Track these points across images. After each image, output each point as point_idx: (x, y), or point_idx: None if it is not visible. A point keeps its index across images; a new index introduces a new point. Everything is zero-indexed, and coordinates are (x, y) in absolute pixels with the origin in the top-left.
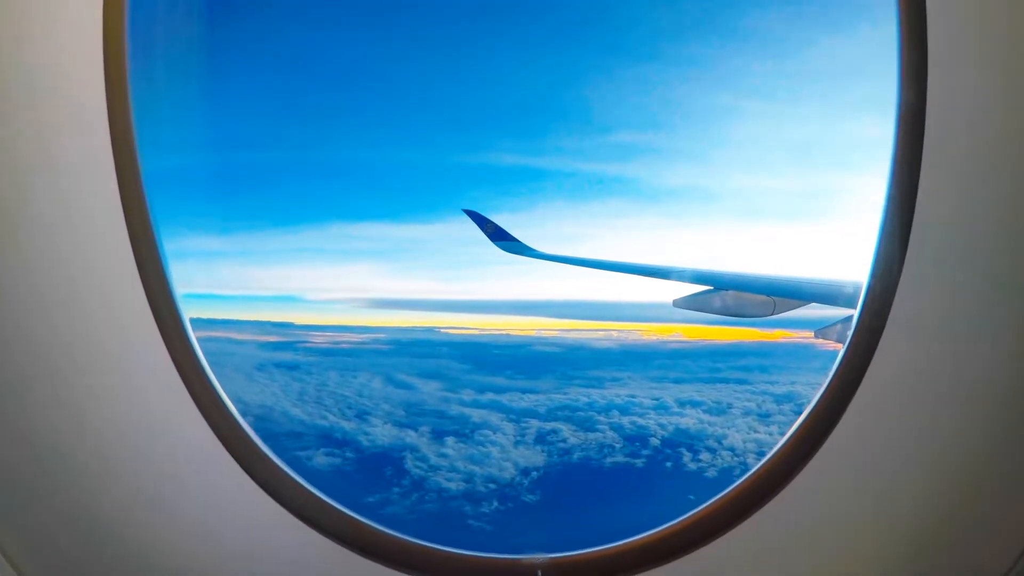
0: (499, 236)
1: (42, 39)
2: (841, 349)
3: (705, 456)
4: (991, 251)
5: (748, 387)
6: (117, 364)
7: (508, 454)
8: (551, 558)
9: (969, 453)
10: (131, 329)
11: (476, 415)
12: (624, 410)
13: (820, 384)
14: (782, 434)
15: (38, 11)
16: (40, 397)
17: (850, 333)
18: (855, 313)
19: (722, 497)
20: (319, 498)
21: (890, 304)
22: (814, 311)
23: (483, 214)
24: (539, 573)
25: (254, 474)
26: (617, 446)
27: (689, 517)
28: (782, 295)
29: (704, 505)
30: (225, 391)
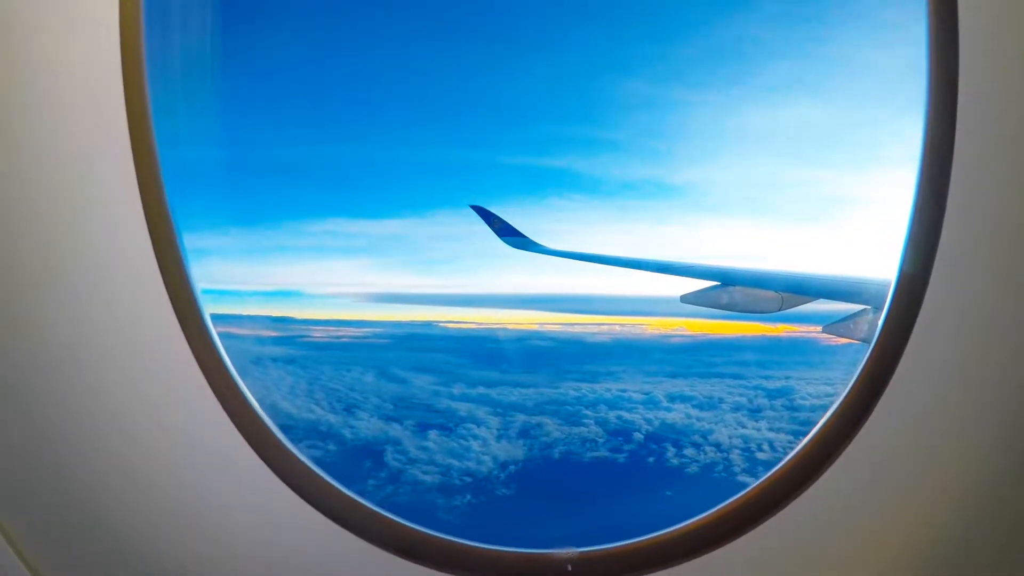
0: (506, 232)
1: (58, 41)
2: (869, 345)
3: (689, 451)
4: None
5: (742, 382)
6: (139, 363)
7: (489, 448)
8: (581, 552)
9: (1003, 455)
10: (153, 327)
11: (464, 409)
12: (613, 404)
13: (846, 380)
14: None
15: (54, 14)
16: (60, 397)
17: (878, 329)
18: (883, 308)
19: (753, 489)
20: (348, 496)
21: (921, 299)
22: (823, 306)
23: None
24: (569, 567)
25: (281, 474)
26: (600, 441)
27: (718, 511)
28: (789, 291)
29: (734, 498)
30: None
